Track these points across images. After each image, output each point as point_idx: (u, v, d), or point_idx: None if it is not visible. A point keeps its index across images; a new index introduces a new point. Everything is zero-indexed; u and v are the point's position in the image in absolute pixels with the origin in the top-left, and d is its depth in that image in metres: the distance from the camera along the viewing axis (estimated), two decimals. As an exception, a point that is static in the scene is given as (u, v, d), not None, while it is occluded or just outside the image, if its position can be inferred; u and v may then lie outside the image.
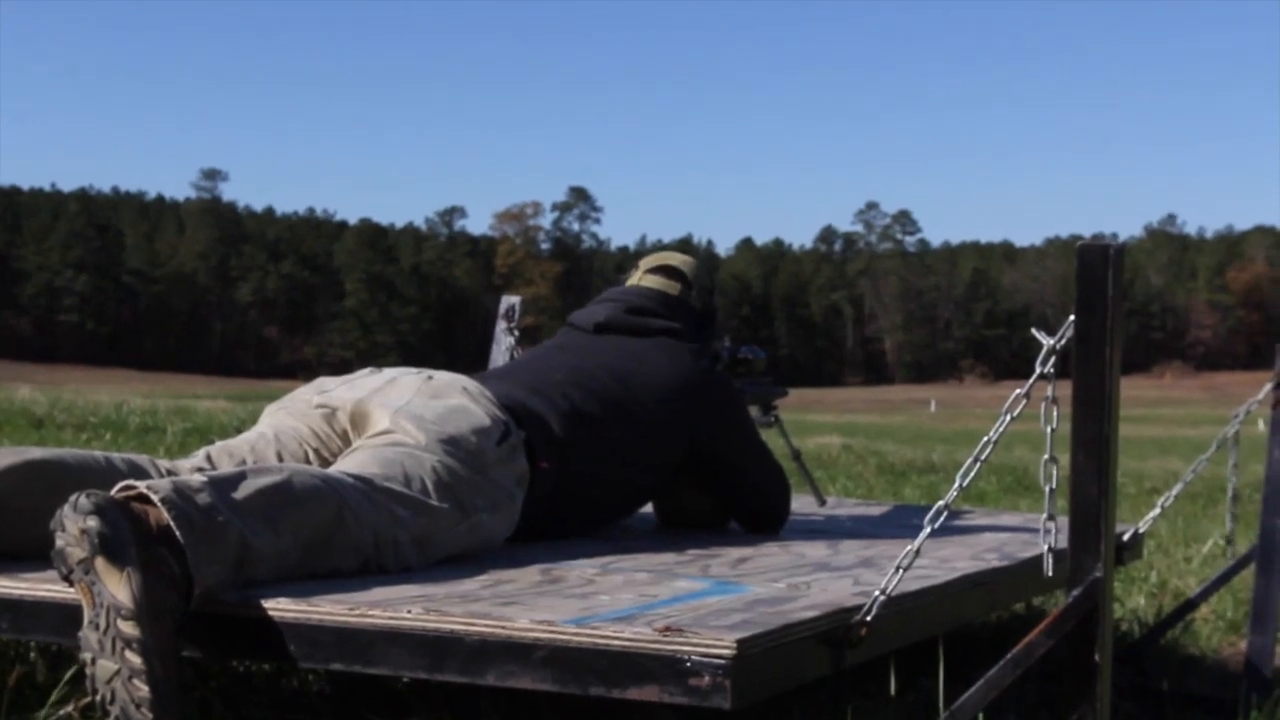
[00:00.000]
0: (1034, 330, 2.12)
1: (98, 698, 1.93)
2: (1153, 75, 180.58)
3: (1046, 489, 2.08)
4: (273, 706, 2.33)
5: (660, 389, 3.03)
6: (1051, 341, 2.09)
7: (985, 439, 2.07)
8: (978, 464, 2.07)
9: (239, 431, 2.72)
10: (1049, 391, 2.07)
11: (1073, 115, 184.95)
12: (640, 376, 3.03)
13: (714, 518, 3.27)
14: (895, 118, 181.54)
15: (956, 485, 2.06)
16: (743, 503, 3.23)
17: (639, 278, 3.35)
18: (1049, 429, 2.05)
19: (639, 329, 3.17)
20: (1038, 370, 2.07)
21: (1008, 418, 2.08)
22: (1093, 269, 2.09)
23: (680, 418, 3.04)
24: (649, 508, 3.36)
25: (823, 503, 4.15)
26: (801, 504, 4.01)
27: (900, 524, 3.68)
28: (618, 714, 2.30)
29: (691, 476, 3.18)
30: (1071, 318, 2.10)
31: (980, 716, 2.33)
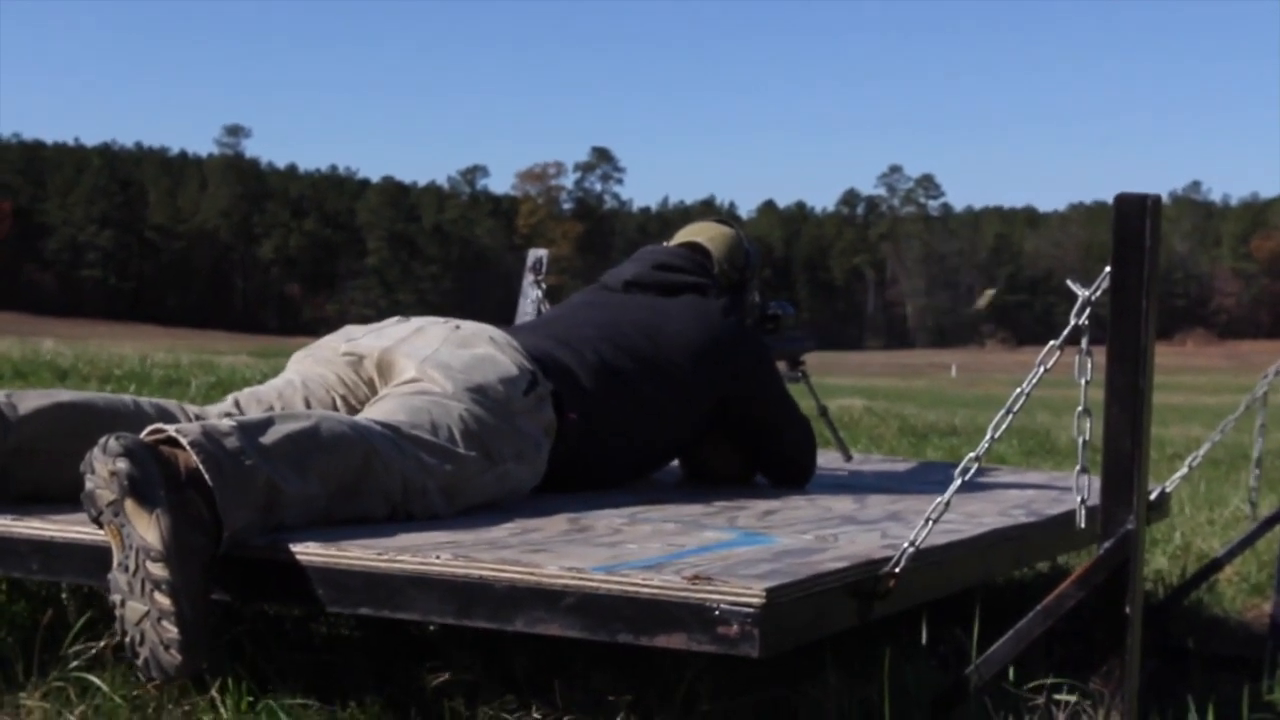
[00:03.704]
0: (1068, 282, 2.10)
1: (127, 639, 1.94)
2: (1179, 40, 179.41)
3: (1080, 440, 2.07)
4: (302, 650, 2.33)
5: (689, 345, 3.02)
6: (1086, 293, 2.08)
7: (1018, 390, 2.07)
8: (1010, 415, 2.06)
9: (262, 386, 2.73)
10: (1083, 343, 2.05)
11: (1098, 80, 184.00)
12: (669, 333, 3.02)
13: (741, 473, 3.27)
14: (919, 81, 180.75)
15: (988, 437, 2.06)
16: (770, 458, 3.23)
17: (671, 244, 3.38)
18: (1083, 380, 2.04)
19: (666, 285, 3.16)
20: (1072, 321, 2.06)
21: (1041, 369, 2.07)
22: (1129, 220, 2.07)
23: (709, 374, 3.04)
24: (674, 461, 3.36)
25: (849, 458, 4.15)
26: (827, 459, 4.00)
27: (925, 480, 3.68)
28: (645, 663, 2.30)
29: (719, 431, 3.18)
30: (1107, 269, 2.08)
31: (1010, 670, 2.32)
